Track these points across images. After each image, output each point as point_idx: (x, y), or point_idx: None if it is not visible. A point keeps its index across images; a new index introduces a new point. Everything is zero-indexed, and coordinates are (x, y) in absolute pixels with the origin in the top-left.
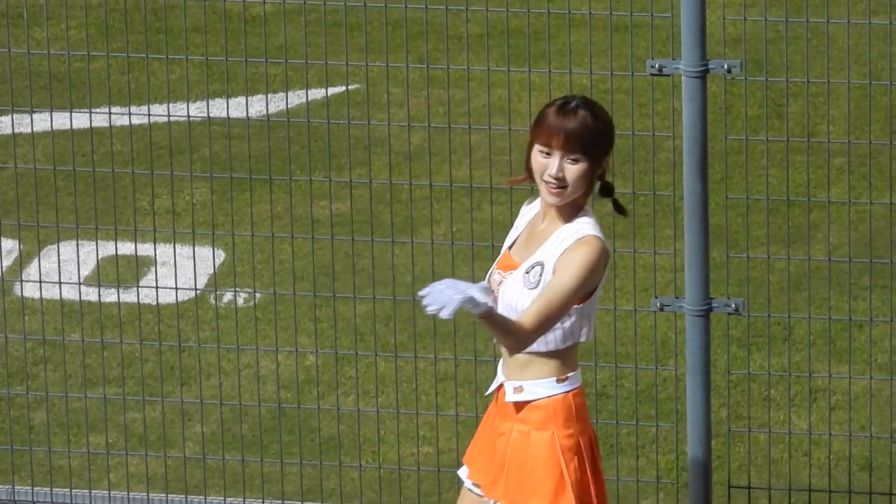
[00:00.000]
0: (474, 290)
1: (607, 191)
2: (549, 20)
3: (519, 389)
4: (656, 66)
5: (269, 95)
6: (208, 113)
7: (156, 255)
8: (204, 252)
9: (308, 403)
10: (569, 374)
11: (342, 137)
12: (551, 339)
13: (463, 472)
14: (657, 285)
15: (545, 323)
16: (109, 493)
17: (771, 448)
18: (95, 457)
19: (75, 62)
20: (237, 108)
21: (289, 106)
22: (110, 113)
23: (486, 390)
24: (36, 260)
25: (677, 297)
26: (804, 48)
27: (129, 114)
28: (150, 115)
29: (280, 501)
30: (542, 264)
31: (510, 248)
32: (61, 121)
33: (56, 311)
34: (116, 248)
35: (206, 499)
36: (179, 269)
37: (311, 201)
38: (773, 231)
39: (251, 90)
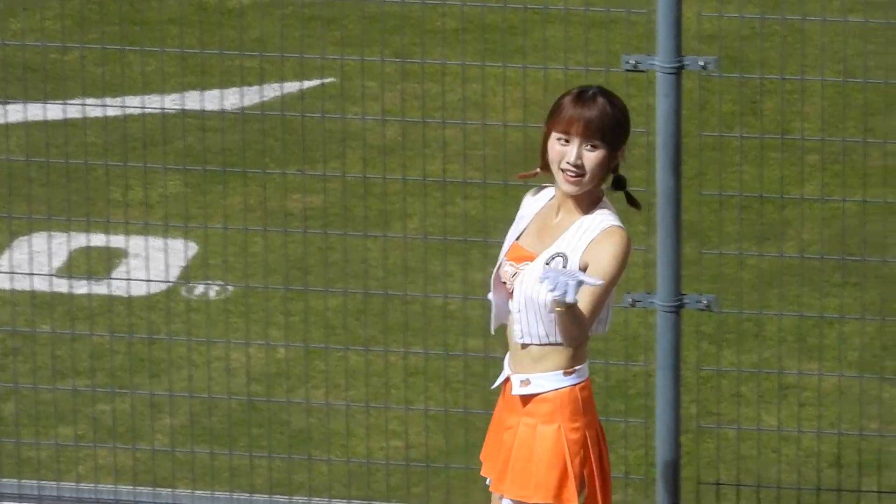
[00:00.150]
0: (581, 276)
1: (620, 184)
2: (526, 15)
3: (526, 382)
4: (631, 62)
5: (245, 88)
6: (183, 105)
7: (128, 246)
8: (176, 244)
9: (278, 397)
10: (576, 367)
11: (317, 131)
12: None
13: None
14: (629, 281)
15: (593, 315)
16: (78, 485)
17: (740, 444)
18: (64, 449)
19: (51, 53)
20: (212, 100)
21: (264, 99)
22: (84, 104)
23: (493, 384)
24: (7, 251)
25: (649, 293)
26: (779, 45)
27: (104, 105)
28: (124, 106)
29: (249, 495)
30: (564, 256)
31: (517, 239)
32: (35, 112)
33: (27, 303)
34: (88, 239)
35: (174, 491)
36: (151, 262)
37: (284, 194)
38: (745, 227)
39: (226, 83)
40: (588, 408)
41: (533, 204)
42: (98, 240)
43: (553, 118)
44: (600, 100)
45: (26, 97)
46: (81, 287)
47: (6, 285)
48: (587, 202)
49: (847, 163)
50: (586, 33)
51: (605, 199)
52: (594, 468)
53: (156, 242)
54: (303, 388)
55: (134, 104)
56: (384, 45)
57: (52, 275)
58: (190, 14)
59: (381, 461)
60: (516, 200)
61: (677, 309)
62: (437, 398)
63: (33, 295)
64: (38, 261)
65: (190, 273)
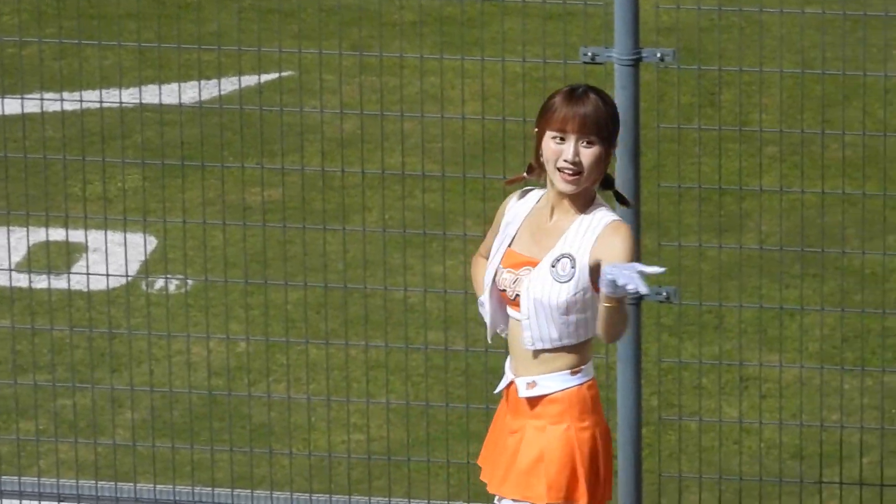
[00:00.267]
0: (640, 267)
1: (608, 183)
2: (483, 8)
3: (532, 385)
4: (589, 54)
5: (203, 82)
6: (141, 99)
7: (87, 241)
8: (135, 238)
9: (239, 390)
10: (582, 367)
11: (275, 124)
12: (582, 332)
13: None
14: None
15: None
16: (39, 480)
17: (702, 436)
18: (25, 443)
19: (8, 48)
20: (170, 94)
21: (222, 92)
22: (42, 99)
23: (496, 389)
24: None
25: None
26: (738, 37)
27: (62, 100)
28: (82, 101)
29: (210, 488)
30: (569, 256)
31: (509, 245)
32: None
33: None
34: (48, 234)
35: (136, 486)
36: (111, 256)
37: (243, 188)
38: (705, 219)
39: (184, 76)
40: (595, 406)
41: (519, 208)
42: (57, 234)
43: (546, 118)
44: (592, 96)
45: None
46: (41, 282)
47: None
48: (582, 201)
49: (805, 154)
50: (544, 25)
51: (598, 197)
52: (601, 466)
53: (115, 237)
54: (264, 381)
55: (92, 98)
56: (342, 38)
57: (11, 269)
58: (147, 8)
59: (343, 454)
60: (475, 193)
61: (638, 301)
62: (398, 391)
63: None
64: None
65: (149, 267)
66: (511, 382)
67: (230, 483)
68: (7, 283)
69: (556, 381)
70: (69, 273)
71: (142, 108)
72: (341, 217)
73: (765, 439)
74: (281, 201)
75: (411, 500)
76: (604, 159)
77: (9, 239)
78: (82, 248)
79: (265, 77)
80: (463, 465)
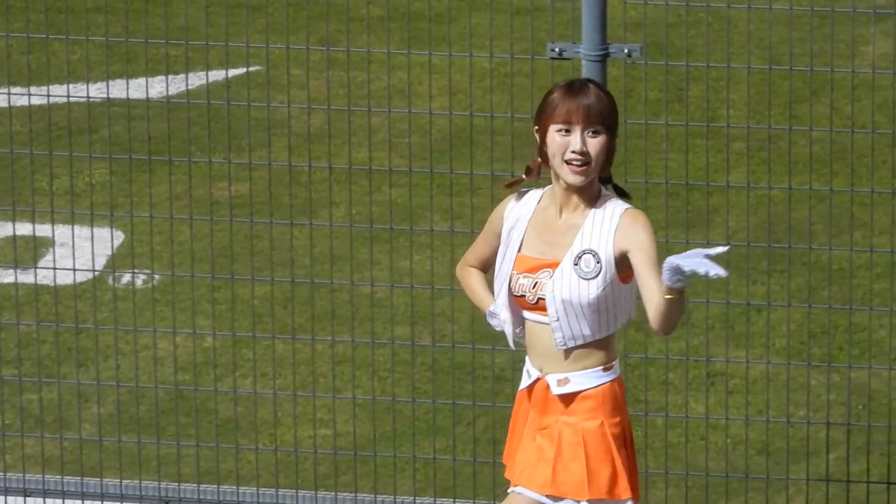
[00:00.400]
0: (703, 251)
1: (606, 178)
2: (451, 3)
3: (564, 381)
4: (556, 49)
5: (170, 76)
6: (108, 94)
7: (54, 235)
8: (102, 233)
9: (205, 385)
10: (613, 363)
11: (242, 119)
12: (612, 324)
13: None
14: None
15: None
16: (5, 475)
17: (668, 432)
18: None
19: None
20: (138, 88)
21: (189, 87)
22: (10, 93)
23: (519, 387)
24: None
25: None
26: (705, 32)
27: (29, 94)
28: (49, 95)
29: (177, 483)
30: (592, 252)
31: (519, 250)
32: None
33: None
34: (14, 228)
35: (102, 481)
36: (78, 250)
37: (210, 183)
38: (672, 215)
39: (152, 71)
40: (623, 402)
41: (520, 211)
42: (24, 229)
43: (547, 113)
44: (591, 87)
45: None
46: (8, 276)
47: None
48: (589, 195)
49: (773, 150)
50: (511, 21)
51: (603, 189)
52: (634, 461)
53: (82, 231)
54: (230, 376)
55: (59, 93)
56: (310, 32)
57: None
58: (115, 2)
59: (309, 450)
60: (443, 188)
61: None
62: (365, 386)
63: None
64: None
65: (116, 262)
66: (537, 380)
67: (196, 478)
68: None
69: (590, 377)
70: (36, 267)
71: (109, 102)
72: (308, 212)
73: (731, 435)
74: (248, 196)
75: (378, 496)
76: (609, 149)
77: None
78: (49, 243)
79: (233, 72)
80: (429, 460)
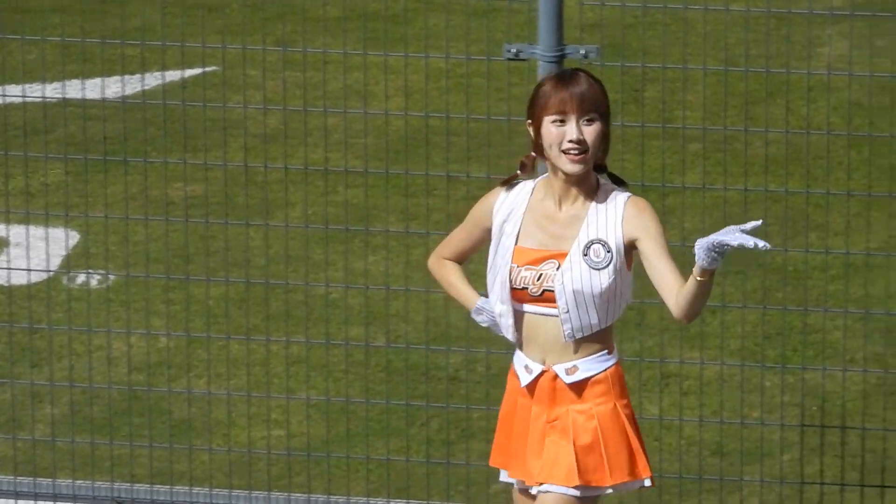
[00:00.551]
0: (735, 228)
1: (601, 167)
2: (408, 4)
3: (573, 370)
4: (513, 50)
5: (126, 77)
6: (64, 94)
7: (8, 235)
8: (57, 233)
9: (159, 386)
10: (613, 346)
11: (198, 119)
12: (618, 312)
13: (505, 476)
14: None
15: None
16: None
17: None
18: None
19: None
20: (93, 89)
21: (145, 87)
22: None
23: (522, 384)
24: None
25: None
26: (662, 34)
27: None
28: (4, 95)
29: (129, 484)
30: (601, 242)
31: (516, 243)
32: None
33: None
34: None
35: (54, 481)
36: (32, 250)
37: (165, 183)
38: None
39: (108, 71)
40: (625, 385)
41: (511, 203)
42: None
43: (540, 105)
44: (582, 75)
45: None
46: None
47: None
48: (588, 186)
49: (729, 151)
50: (468, 22)
51: (600, 178)
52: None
53: (37, 231)
54: (184, 377)
55: (15, 93)
56: (266, 33)
57: None
58: (71, 2)
59: (263, 450)
60: (398, 189)
61: None
62: (319, 387)
63: None
64: None
65: (71, 262)
66: (542, 373)
67: (149, 479)
68: None
69: (597, 362)
70: None
71: (65, 102)
72: (264, 212)
73: (685, 436)
74: (204, 196)
75: (331, 496)
76: (604, 136)
77: None
78: (3, 243)
79: (189, 72)
80: (383, 461)
